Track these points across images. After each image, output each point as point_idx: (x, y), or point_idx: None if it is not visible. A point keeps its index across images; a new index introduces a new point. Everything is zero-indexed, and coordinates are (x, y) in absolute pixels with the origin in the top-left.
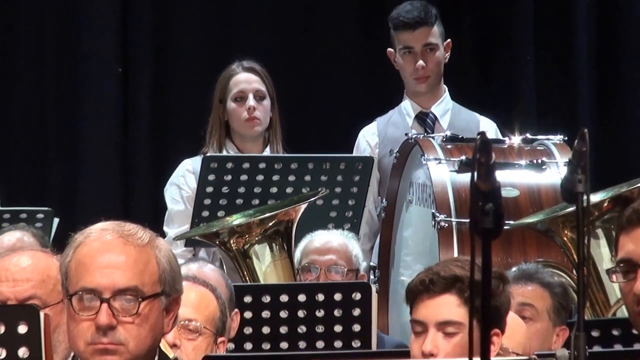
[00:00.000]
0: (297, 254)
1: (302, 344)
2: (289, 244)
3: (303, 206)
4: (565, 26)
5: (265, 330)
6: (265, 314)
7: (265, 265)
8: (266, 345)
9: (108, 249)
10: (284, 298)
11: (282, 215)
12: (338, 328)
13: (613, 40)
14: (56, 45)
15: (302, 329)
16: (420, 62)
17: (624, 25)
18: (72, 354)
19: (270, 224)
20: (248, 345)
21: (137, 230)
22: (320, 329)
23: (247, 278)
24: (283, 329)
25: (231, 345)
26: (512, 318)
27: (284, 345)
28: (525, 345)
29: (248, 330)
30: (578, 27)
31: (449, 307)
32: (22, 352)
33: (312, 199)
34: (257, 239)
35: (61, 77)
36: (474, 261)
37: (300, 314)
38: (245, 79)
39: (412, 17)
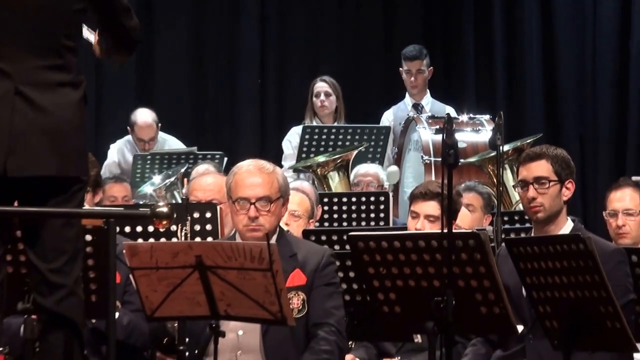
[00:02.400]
0: (352, 177)
1: (354, 223)
2: (347, 171)
3: (355, 152)
4: (490, 54)
5: (335, 216)
6: (335, 207)
7: (335, 182)
8: (335, 224)
9: (251, 175)
10: (344, 200)
11: (344, 156)
12: (372, 215)
13: (518, 56)
14: (225, 64)
15: (353, 215)
16: (412, 79)
17: (527, 51)
18: (233, 230)
19: (339, 161)
20: (325, 224)
21: (266, 164)
22: (363, 215)
23: (326, 189)
24: (344, 215)
25: (317, 224)
26: (463, 212)
27: (344, 224)
28: (470, 226)
29: (325, 216)
30: (495, 54)
31: (433, 207)
32: (208, 227)
33: (359, 148)
34: (331, 168)
35: (228, 82)
36: (444, 181)
37: (353, 207)
38: (320, 85)
39: (411, 55)
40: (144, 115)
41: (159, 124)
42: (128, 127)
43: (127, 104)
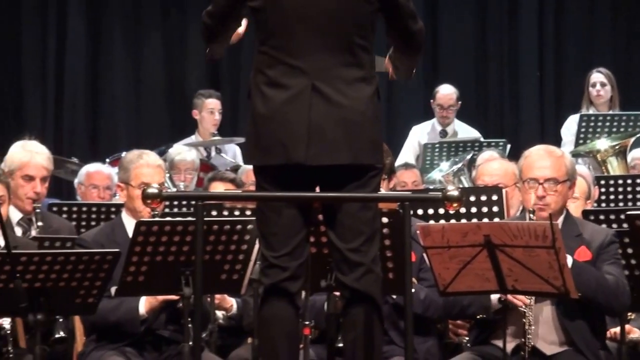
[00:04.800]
0: (629, 160)
1: (629, 204)
2: (625, 156)
3: (632, 139)
4: None
5: (612, 197)
6: (611, 189)
7: (614, 166)
8: (612, 205)
9: (541, 158)
10: (620, 182)
11: (623, 143)
12: None
13: None
14: (506, 59)
15: (629, 196)
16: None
17: None
18: (519, 210)
19: (617, 147)
20: (603, 205)
21: (556, 149)
22: (639, 196)
23: (604, 173)
24: (620, 196)
25: (594, 204)
26: None
27: (620, 204)
28: None
29: (603, 197)
30: None
31: None
32: (495, 209)
33: (637, 135)
34: (610, 154)
35: (510, 76)
36: None
37: (629, 188)
38: (596, 76)
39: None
40: (445, 89)
41: (459, 99)
42: (431, 100)
43: (416, 98)
